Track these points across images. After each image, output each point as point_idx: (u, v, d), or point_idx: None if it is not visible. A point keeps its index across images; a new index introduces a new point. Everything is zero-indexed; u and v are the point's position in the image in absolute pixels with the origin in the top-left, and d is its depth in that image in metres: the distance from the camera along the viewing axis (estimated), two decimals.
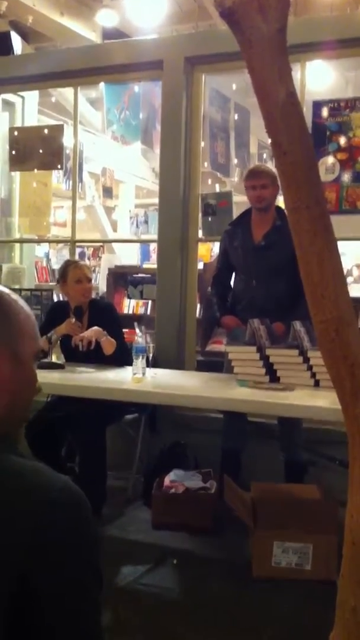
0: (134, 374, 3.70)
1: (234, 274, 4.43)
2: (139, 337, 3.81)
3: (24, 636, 0.99)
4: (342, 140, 4.53)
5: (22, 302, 1.19)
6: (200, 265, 5.74)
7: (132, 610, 3.10)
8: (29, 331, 1.18)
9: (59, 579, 1.01)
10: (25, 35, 7.90)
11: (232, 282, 4.46)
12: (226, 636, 2.92)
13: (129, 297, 6.92)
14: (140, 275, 6.87)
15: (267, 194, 4.17)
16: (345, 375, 1.29)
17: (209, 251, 6.93)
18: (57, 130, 5.79)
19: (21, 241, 6.39)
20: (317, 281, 1.29)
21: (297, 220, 1.30)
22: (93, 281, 4.93)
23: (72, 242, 5.89)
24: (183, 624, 2.98)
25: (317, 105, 4.59)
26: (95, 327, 4.12)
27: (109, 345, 4.10)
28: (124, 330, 4.41)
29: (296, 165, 1.30)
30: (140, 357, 3.73)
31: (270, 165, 4.75)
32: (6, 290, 1.18)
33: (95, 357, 4.13)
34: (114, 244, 8.87)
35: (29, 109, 6.39)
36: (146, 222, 8.84)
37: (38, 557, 0.99)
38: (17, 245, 6.42)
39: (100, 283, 7.42)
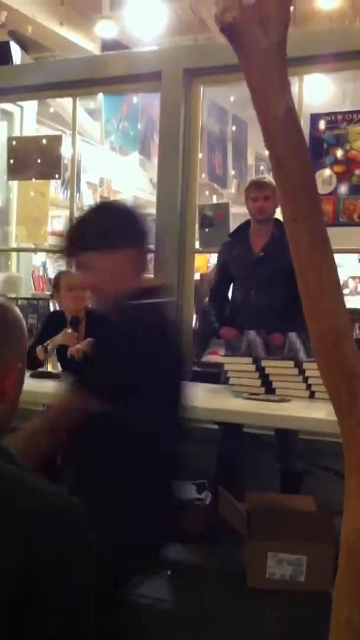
0: None
1: (232, 286, 4.44)
2: None
3: (23, 638, 1.00)
4: (339, 153, 4.55)
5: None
6: (197, 276, 5.75)
7: (125, 620, 3.09)
8: (26, 344, 1.26)
9: (58, 582, 1.02)
10: (24, 46, 7.91)
11: (229, 295, 4.47)
12: None
13: None
14: None
15: (269, 205, 4.19)
16: (341, 387, 1.30)
17: (205, 262, 6.95)
18: (56, 140, 5.81)
19: (18, 250, 6.40)
20: (315, 292, 1.30)
21: (295, 232, 1.31)
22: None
23: None
24: (177, 635, 2.97)
25: (315, 118, 4.62)
26: (91, 340, 4.11)
27: None
28: None
29: (294, 177, 1.31)
30: None
31: (268, 177, 4.77)
32: (11, 304, 1.23)
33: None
34: None
35: (27, 118, 6.41)
36: None
37: (37, 560, 1.01)
38: (14, 254, 6.43)
39: None
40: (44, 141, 5.81)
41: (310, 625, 2.78)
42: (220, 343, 5.05)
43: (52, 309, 5.91)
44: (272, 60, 1.32)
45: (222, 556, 3.83)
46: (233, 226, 4.68)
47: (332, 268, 1.32)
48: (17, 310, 1.22)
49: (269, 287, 4.15)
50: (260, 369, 3.65)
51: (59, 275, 4.41)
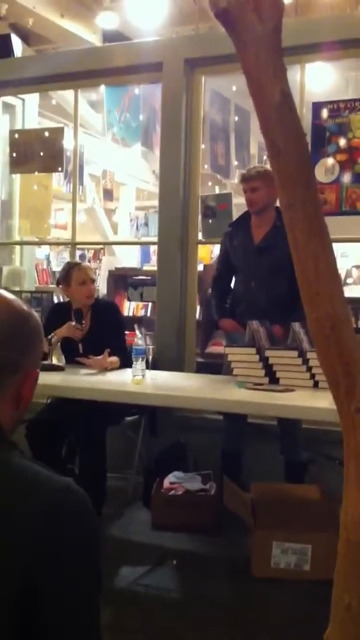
0: (134, 376, 3.71)
1: (234, 277, 4.42)
2: (138, 339, 3.81)
3: (25, 634, 1.00)
4: (342, 142, 4.53)
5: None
6: (200, 267, 5.74)
7: (131, 610, 3.11)
8: (43, 348, 1.27)
9: (60, 578, 1.02)
10: (25, 38, 7.91)
11: (232, 284, 4.46)
12: (225, 636, 2.92)
13: (129, 299, 6.92)
14: (140, 277, 6.87)
15: (257, 197, 4.19)
16: (340, 373, 1.29)
17: (208, 253, 6.93)
18: (58, 132, 5.79)
19: (21, 243, 6.40)
20: (312, 279, 1.29)
21: (292, 218, 1.30)
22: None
23: (72, 245, 5.90)
24: (182, 625, 2.98)
25: (317, 107, 4.59)
26: (100, 363, 4.07)
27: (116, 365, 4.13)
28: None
29: (291, 164, 1.30)
30: (140, 359, 3.73)
31: (267, 166, 4.75)
32: (33, 312, 1.23)
33: None
34: (114, 246, 8.87)
35: (29, 111, 6.39)
36: (146, 224, 8.84)
37: (41, 556, 1.00)
38: (18, 247, 6.42)
39: (100, 285, 7.43)
40: (46, 134, 5.80)
41: (315, 613, 2.79)
42: (223, 334, 5.05)
43: (55, 301, 5.93)
44: (267, 46, 1.31)
45: (227, 546, 3.84)
46: (236, 216, 4.67)
47: (330, 254, 1.31)
48: (36, 315, 1.22)
49: (269, 278, 4.13)
50: (264, 359, 3.65)
51: (70, 267, 4.37)
